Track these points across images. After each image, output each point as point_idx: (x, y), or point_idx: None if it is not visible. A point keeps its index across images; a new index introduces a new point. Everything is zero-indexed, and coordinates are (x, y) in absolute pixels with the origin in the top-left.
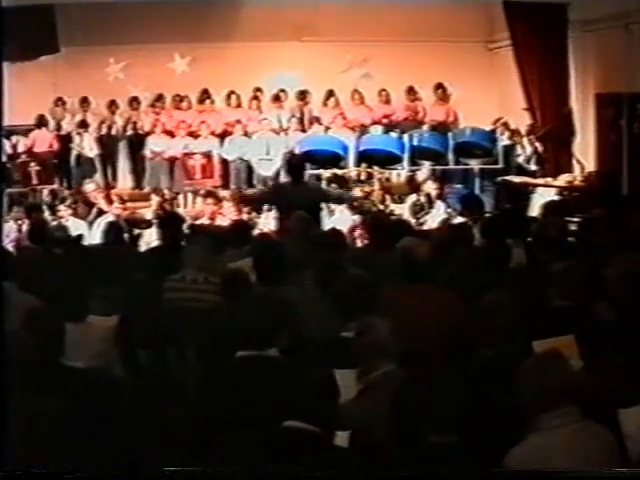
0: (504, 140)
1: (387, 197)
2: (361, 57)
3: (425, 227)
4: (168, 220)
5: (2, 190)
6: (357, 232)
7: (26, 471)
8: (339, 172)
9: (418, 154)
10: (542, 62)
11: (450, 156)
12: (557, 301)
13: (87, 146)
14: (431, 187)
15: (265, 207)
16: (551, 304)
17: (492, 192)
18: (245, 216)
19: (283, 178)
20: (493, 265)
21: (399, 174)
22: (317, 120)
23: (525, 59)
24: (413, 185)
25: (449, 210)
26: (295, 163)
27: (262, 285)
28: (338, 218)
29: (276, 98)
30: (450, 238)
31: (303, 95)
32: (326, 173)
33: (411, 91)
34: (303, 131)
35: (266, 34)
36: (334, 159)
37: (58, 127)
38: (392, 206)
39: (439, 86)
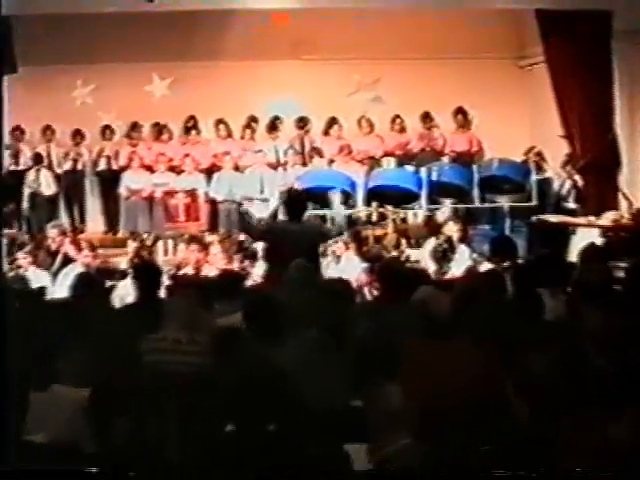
0: (538, 173)
1: (402, 241)
2: (371, 78)
3: (447, 275)
4: (146, 270)
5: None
6: (367, 281)
7: (26, 471)
8: (345, 212)
9: (438, 190)
10: (582, 80)
11: (475, 192)
12: (600, 360)
13: (45, 182)
14: (453, 229)
15: (260, 254)
16: (594, 363)
17: (524, 234)
18: (236, 265)
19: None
20: (526, 319)
21: (416, 214)
22: (319, 152)
23: (562, 77)
24: (432, 226)
25: (475, 255)
26: (294, 199)
27: (256, 345)
28: (345, 265)
29: (272, 126)
30: (476, 288)
31: (303, 122)
32: (331, 213)
33: (427, 117)
34: (303, 165)
35: (261, 51)
36: (341, 196)
37: (16, 161)
38: (408, 251)
39: (459, 111)
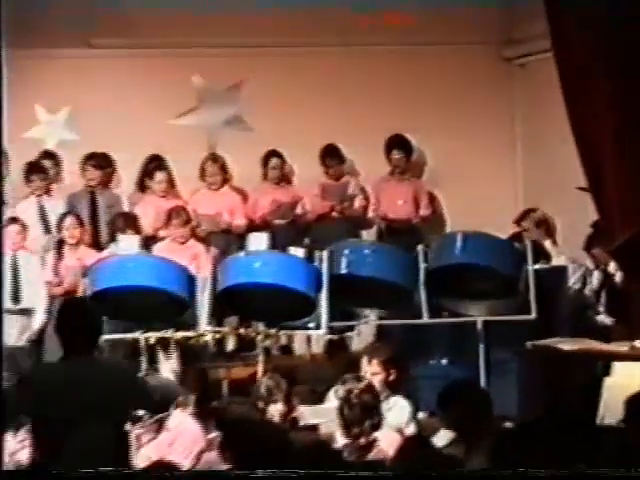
0: (540, 259)
1: (284, 386)
2: (225, 80)
3: (371, 453)
4: None
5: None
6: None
7: (27, 471)
8: (178, 335)
9: (351, 293)
10: (620, 88)
11: (421, 296)
12: None
13: None
14: (376, 368)
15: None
16: None
17: (514, 373)
18: None
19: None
20: None
21: (309, 338)
22: (130, 221)
23: (580, 79)
24: (340, 361)
25: (423, 414)
26: (75, 318)
27: None
28: (174, 436)
29: (34, 170)
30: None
31: (96, 164)
32: (150, 337)
33: (332, 155)
34: (96, 246)
35: (15, 31)
36: (167, 307)
37: None
38: (300, 409)
39: (397, 141)
